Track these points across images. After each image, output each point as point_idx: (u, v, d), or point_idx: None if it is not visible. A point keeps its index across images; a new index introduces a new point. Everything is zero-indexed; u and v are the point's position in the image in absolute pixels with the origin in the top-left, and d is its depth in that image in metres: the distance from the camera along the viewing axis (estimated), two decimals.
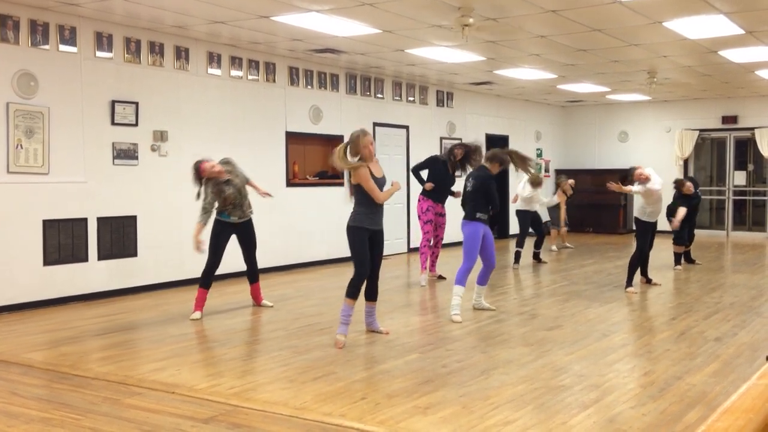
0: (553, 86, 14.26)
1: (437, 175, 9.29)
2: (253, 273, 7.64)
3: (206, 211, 7.11)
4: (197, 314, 7.16)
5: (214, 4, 7.59)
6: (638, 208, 9.01)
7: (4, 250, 7.56)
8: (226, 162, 7.33)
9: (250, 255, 7.53)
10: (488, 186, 7.11)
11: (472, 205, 7.12)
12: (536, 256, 11.59)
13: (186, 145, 9.18)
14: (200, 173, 7.13)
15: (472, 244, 7.03)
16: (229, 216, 7.25)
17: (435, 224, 9.31)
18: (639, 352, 5.91)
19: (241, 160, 10.00)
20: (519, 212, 11.53)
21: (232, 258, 9.97)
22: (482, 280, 7.41)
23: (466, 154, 9.20)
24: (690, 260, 11.26)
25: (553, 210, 13.16)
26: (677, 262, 10.80)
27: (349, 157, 5.92)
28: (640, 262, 8.88)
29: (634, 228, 9.16)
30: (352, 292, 5.99)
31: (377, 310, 6.49)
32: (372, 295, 6.28)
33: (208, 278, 7.31)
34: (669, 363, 5.46)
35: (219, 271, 9.39)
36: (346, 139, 6.05)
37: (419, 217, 9.39)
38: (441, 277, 9.55)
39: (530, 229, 11.51)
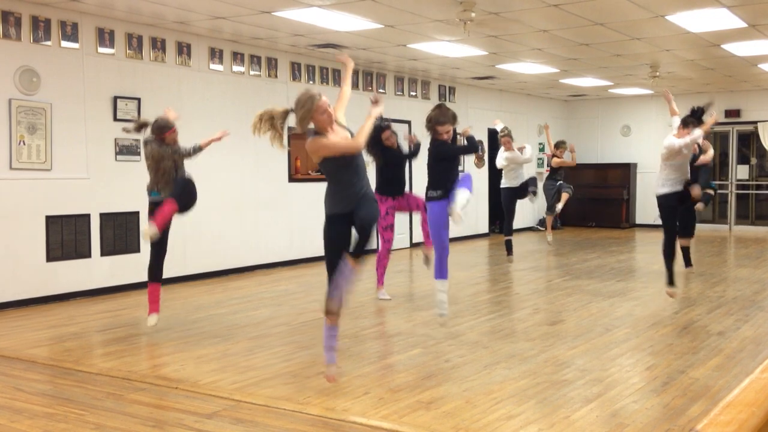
0: (555, 80, 14.24)
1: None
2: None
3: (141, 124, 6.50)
4: (154, 318, 6.30)
5: (215, 0, 7.59)
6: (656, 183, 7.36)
7: (7, 246, 7.58)
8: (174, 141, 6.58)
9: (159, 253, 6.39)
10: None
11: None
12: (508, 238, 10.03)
13: (188, 141, 9.14)
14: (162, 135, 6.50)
15: (430, 226, 6.20)
16: (159, 194, 6.32)
17: (402, 208, 7.74)
18: (642, 346, 5.91)
19: (244, 156, 10.07)
20: (502, 191, 9.97)
21: (236, 254, 9.99)
22: (438, 273, 6.23)
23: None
24: (686, 260, 9.42)
25: (549, 191, 11.55)
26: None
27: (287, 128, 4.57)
28: (672, 249, 7.30)
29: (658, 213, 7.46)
30: (328, 307, 4.46)
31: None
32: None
33: (153, 271, 6.31)
34: (672, 357, 5.46)
35: (219, 267, 9.45)
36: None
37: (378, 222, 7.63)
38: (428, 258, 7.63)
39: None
